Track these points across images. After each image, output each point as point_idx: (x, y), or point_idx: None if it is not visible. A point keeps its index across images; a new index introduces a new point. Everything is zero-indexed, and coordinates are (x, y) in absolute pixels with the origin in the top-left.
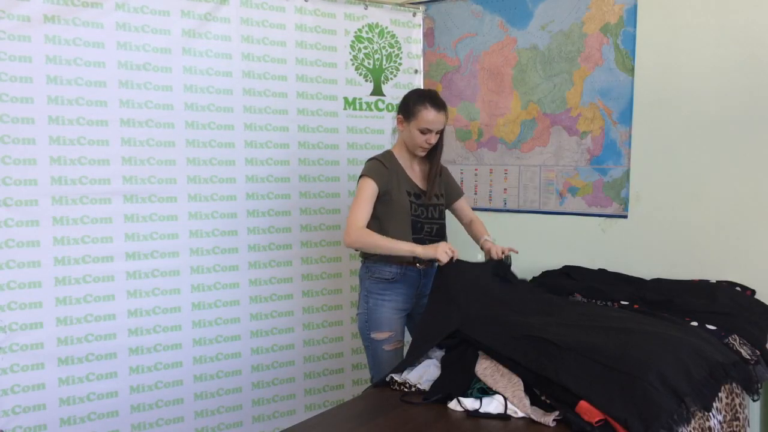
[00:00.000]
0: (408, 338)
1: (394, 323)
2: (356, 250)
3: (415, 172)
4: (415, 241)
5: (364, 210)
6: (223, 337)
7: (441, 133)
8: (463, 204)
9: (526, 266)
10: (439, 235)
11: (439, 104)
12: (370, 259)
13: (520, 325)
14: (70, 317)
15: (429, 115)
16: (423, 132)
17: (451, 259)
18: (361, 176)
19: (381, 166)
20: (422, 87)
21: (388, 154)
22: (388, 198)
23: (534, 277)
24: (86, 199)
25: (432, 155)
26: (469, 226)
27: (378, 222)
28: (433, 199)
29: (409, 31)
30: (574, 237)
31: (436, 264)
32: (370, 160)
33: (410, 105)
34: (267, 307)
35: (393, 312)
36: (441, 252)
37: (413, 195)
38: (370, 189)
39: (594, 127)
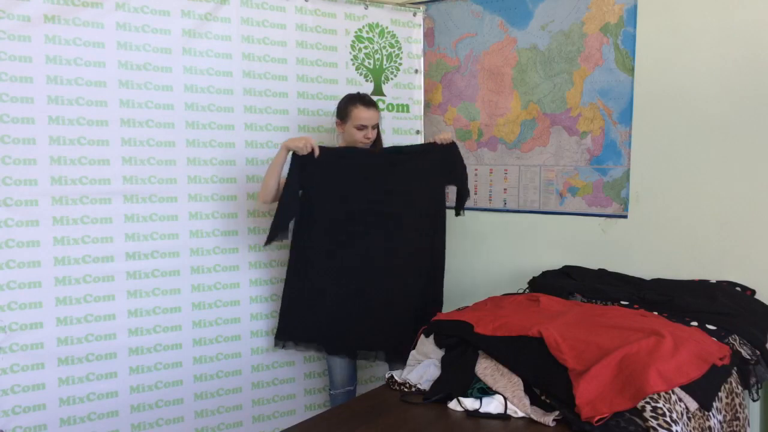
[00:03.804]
0: None
1: None
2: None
3: None
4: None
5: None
6: (224, 337)
7: (377, 128)
8: None
9: (526, 266)
10: None
11: (368, 102)
12: None
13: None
14: (70, 317)
15: (361, 113)
16: (359, 129)
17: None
18: None
19: None
20: (422, 87)
21: None
22: None
23: (534, 277)
24: (86, 199)
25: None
26: None
27: None
28: None
29: (410, 31)
30: (574, 237)
31: None
32: None
33: (344, 108)
34: (267, 307)
35: None
36: (293, 145)
37: None
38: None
39: (594, 127)
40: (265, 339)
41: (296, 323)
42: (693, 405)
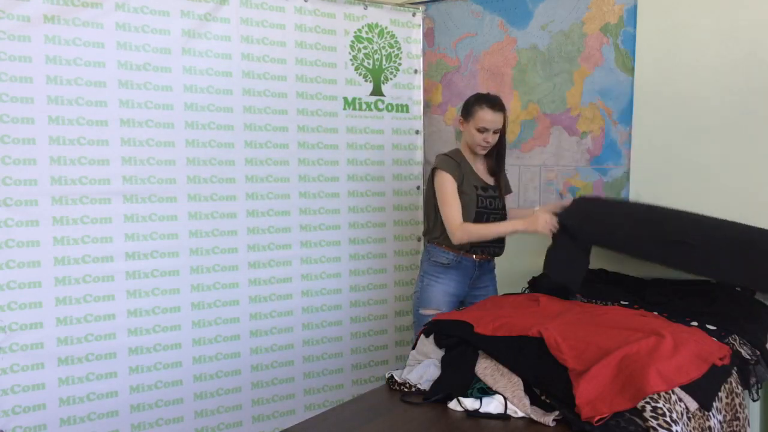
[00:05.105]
0: None
1: (442, 304)
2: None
3: (478, 168)
4: None
5: (455, 205)
6: (223, 336)
7: (502, 132)
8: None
9: (526, 266)
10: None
11: (495, 105)
12: (431, 242)
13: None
14: (70, 317)
15: (486, 115)
16: (480, 131)
17: (557, 230)
18: (435, 169)
19: (452, 161)
20: (422, 87)
21: (456, 151)
22: (459, 191)
23: (534, 277)
24: (86, 199)
25: (497, 153)
26: (511, 212)
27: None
28: (496, 191)
29: (409, 31)
30: None
31: (492, 261)
32: (440, 155)
33: (469, 106)
34: (266, 307)
35: (443, 294)
36: (542, 226)
37: (480, 188)
38: (450, 183)
39: (594, 127)
40: (264, 339)
41: None
42: (693, 405)
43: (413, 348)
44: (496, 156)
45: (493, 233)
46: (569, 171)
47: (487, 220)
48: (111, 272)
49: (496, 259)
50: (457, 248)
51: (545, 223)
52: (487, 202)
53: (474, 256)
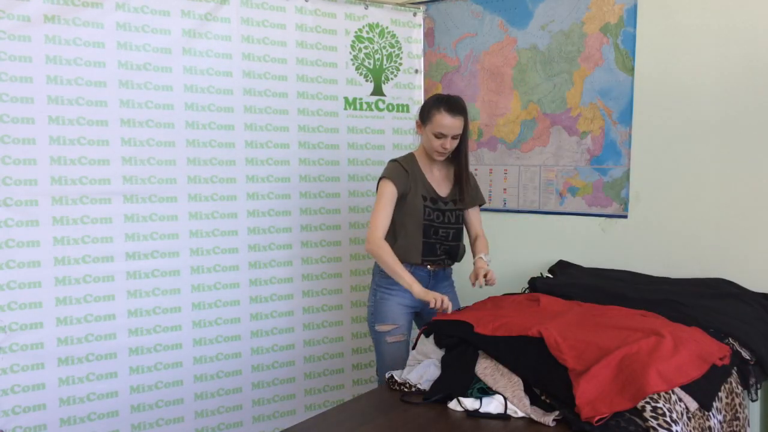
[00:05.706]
0: (414, 335)
1: (399, 318)
2: None
3: (434, 177)
4: (427, 245)
5: (384, 215)
6: (224, 337)
7: (463, 138)
8: (474, 214)
9: (526, 266)
10: (456, 239)
11: (454, 108)
12: None
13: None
14: (70, 317)
15: (443, 120)
16: (437, 136)
17: (445, 311)
18: (381, 178)
19: (401, 169)
20: (422, 87)
21: (410, 157)
22: (404, 201)
23: (533, 277)
24: (86, 199)
25: (457, 160)
26: (473, 241)
27: (393, 224)
28: (449, 204)
29: (410, 31)
30: (574, 237)
31: (448, 269)
32: (391, 161)
33: (427, 109)
34: (267, 307)
35: (398, 307)
36: (431, 299)
37: (429, 200)
38: (389, 192)
39: (594, 127)
40: (265, 339)
41: None
42: (693, 405)
43: (377, 373)
44: (456, 163)
45: (396, 274)
46: (569, 171)
47: (436, 234)
48: (111, 272)
49: (497, 260)
50: (411, 259)
51: (434, 300)
52: (435, 215)
53: (428, 266)
